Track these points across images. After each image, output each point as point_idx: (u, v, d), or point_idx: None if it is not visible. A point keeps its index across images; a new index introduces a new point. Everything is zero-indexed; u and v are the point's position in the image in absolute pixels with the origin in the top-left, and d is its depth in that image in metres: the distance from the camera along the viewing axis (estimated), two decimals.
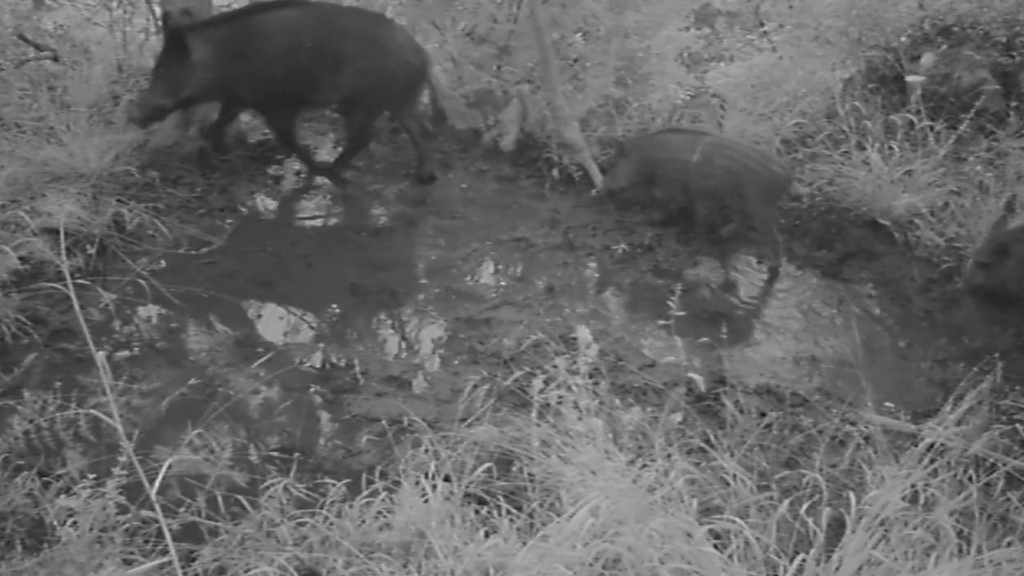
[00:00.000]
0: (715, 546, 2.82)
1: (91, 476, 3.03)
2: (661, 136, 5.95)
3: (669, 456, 3.16)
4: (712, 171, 5.52)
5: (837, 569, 2.78)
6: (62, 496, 3.00)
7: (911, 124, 5.86)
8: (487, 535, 2.90)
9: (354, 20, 6.07)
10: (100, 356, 2.78)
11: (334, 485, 3.18)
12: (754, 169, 5.47)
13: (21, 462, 3.40)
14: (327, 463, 3.66)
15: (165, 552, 2.64)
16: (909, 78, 5.94)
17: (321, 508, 3.07)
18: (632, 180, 5.88)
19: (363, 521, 3.04)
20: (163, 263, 5.10)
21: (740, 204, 5.58)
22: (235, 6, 8.41)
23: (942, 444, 3.29)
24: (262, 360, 4.14)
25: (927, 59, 6.02)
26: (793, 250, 5.61)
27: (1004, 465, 3.40)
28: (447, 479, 3.14)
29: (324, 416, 4.03)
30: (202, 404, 3.91)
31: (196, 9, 6.24)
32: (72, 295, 2.76)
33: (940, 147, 5.72)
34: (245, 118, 6.86)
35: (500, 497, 3.10)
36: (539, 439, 3.28)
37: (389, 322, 4.90)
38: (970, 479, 3.15)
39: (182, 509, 3.10)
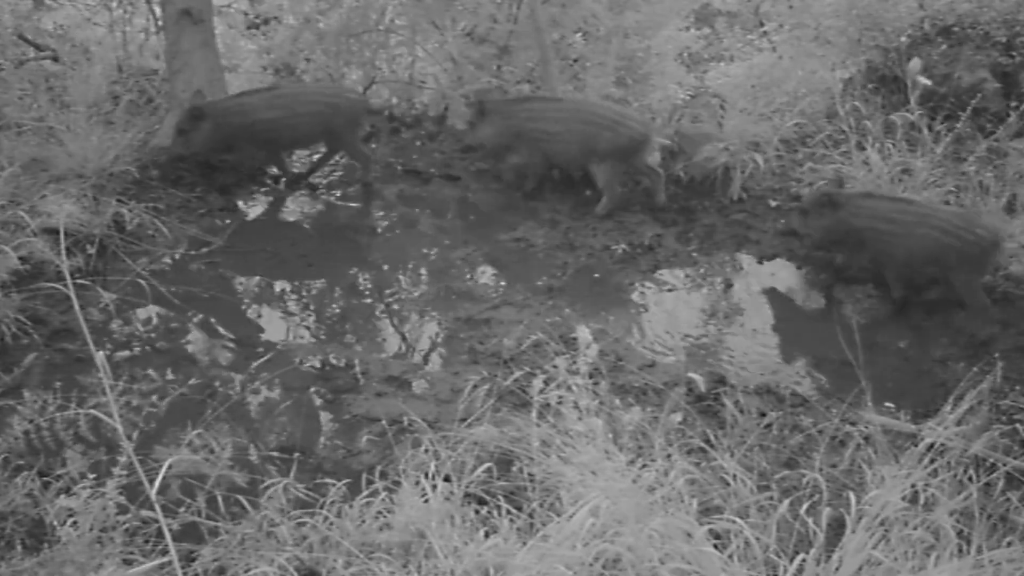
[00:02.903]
0: (715, 546, 2.82)
1: (91, 476, 3.02)
2: (240, 99, 6.03)
3: (669, 456, 3.16)
4: (298, 120, 5.91)
5: (837, 569, 2.77)
6: (62, 496, 3.00)
7: (911, 124, 5.86)
8: (487, 535, 2.90)
9: None
10: (100, 356, 2.77)
11: (334, 485, 3.17)
12: (335, 104, 5.98)
13: (21, 462, 3.40)
14: (327, 463, 3.66)
15: (165, 552, 2.64)
16: (918, 77, 5.93)
17: (321, 508, 3.07)
18: (211, 144, 5.93)
19: (363, 521, 3.03)
20: (163, 263, 5.10)
21: (331, 140, 6.10)
22: (236, 6, 8.47)
23: (942, 444, 3.29)
24: (262, 360, 4.15)
25: (915, 64, 6.02)
26: (793, 250, 5.61)
27: (1004, 465, 3.39)
28: (447, 479, 3.14)
29: (324, 416, 4.03)
30: (202, 404, 3.91)
31: (195, 10, 6.25)
32: (72, 295, 2.76)
33: (940, 147, 5.72)
34: None
35: (500, 497, 3.10)
36: (539, 439, 3.28)
37: (389, 322, 4.90)
38: (970, 479, 3.14)
39: (182, 509, 3.10)
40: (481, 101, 6.18)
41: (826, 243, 5.44)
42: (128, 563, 2.85)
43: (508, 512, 3.02)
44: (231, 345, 4.55)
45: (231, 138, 5.98)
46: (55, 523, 2.91)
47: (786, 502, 2.98)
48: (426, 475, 3.14)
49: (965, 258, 4.98)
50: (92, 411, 3.22)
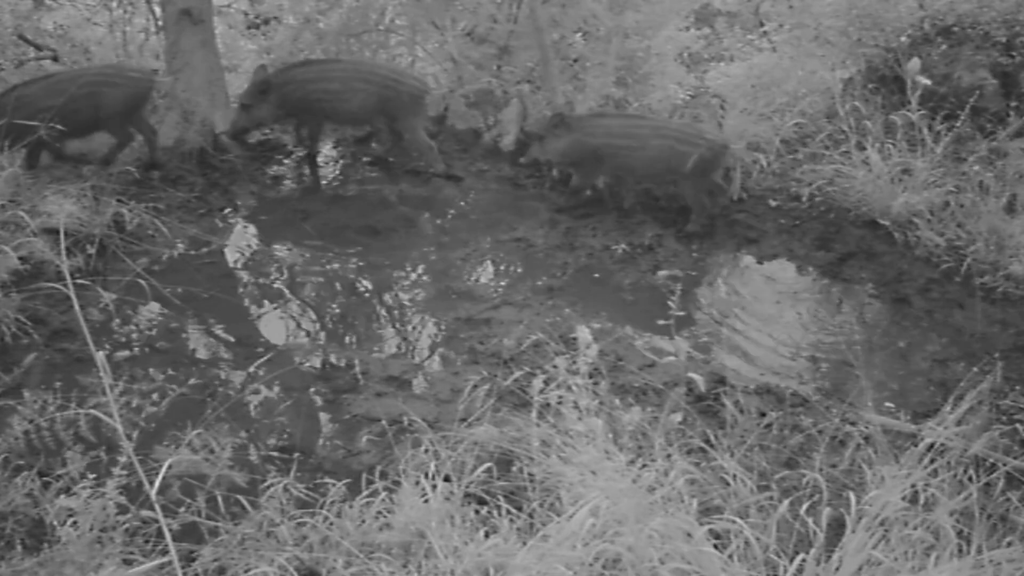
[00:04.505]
0: (715, 546, 2.82)
1: (91, 476, 3.03)
2: (16, 92, 5.73)
3: (669, 456, 3.16)
4: (75, 101, 5.66)
5: (837, 569, 2.78)
6: (62, 496, 3.00)
7: (911, 124, 5.86)
8: (487, 535, 2.90)
9: None
10: (100, 356, 2.77)
11: (334, 485, 3.18)
12: (115, 83, 5.86)
13: (21, 462, 3.41)
14: (327, 463, 3.66)
15: (165, 552, 2.64)
16: (918, 77, 5.95)
17: (321, 508, 3.07)
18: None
19: (363, 521, 3.04)
20: (163, 263, 5.10)
21: (109, 118, 5.90)
22: (236, 6, 8.46)
23: (942, 444, 3.29)
24: (262, 360, 4.15)
25: (914, 64, 6.04)
26: (793, 250, 5.61)
27: (1004, 465, 3.40)
28: (447, 479, 3.14)
29: (324, 416, 4.03)
30: (202, 404, 3.91)
31: (195, 9, 6.25)
32: (72, 295, 2.76)
33: (939, 147, 5.72)
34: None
35: (500, 497, 3.10)
36: (539, 439, 3.28)
37: (389, 322, 4.90)
38: (970, 479, 3.14)
39: (182, 509, 3.10)
40: (264, 80, 6.21)
41: (565, 164, 5.98)
42: (128, 563, 2.85)
43: (508, 512, 3.02)
44: (231, 345, 4.55)
45: (19, 130, 5.52)
46: (55, 523, 2.92)
47: (786, 502, 2.98)
48: (426, 475, 3.14)
49: (699, 162, 5.62)
50: (92, 411, 3.22)
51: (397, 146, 6.56)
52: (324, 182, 6.41)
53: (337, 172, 6.54)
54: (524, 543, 2.81)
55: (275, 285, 5.14)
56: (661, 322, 4.87)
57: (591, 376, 3.37)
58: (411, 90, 6.31)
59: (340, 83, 6.25)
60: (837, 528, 2.95)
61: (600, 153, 5.78)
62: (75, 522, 2.89)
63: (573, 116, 5.97)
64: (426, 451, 3.33)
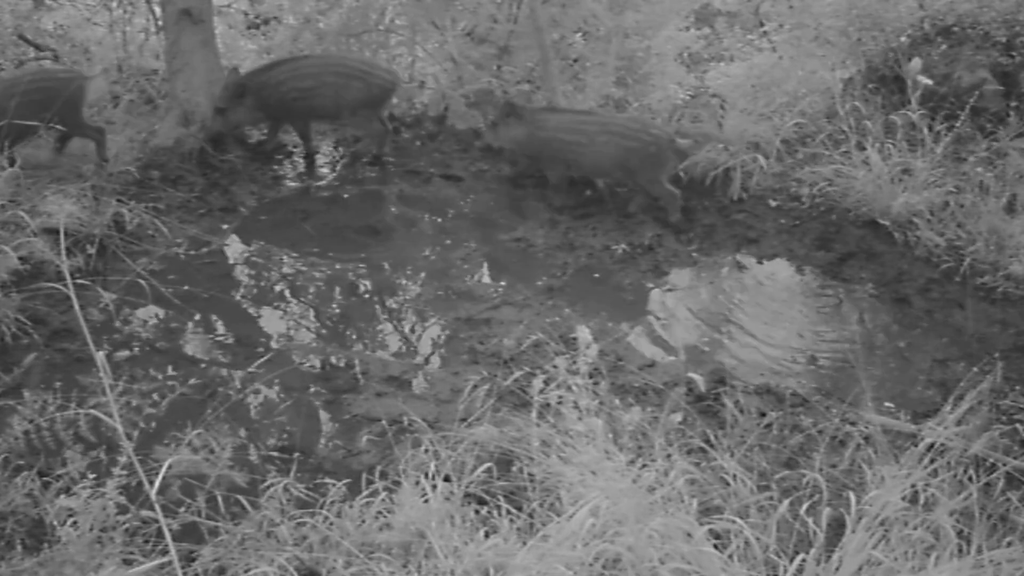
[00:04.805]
0: (715, 546, 2.82)
1: (91, 476, 3.03)
2: None
3: (669, 456, 3.16)
4: (13, 111, 5.47)
5: (837, 569, 2.78)
6: (62, 496, 3.00)
7: (911, 124, 5.86)
8: (487, 535, 2.90)
9: None
10: (100, 356, 2.77)
11: (334, 485, 3.18)
12: (46, 87, 5.74)
13: (21, 462, 3.41)
14: (327, 463, 3.66)
15: (165, 552, 2.64)
16: (918, 77, 5.95)
17: (321, 508, 3.08)
18: None
19: (363, 521, 3.04)
20: (163, 263, 5.10)
21: (59, 120, 5.68)
22: (236, 6, 8.47)
23: (942, 444, 3.29)
24: (262, 360, 4.15)
25: (915, 64, 6.04)
26: (793, 250, 5.61)
27: (1004, 465, 3.40)
28: (447, 479, 3.14)
29: (324, 416, 4.03)
30: (202, 404, 3.91)
31: (195, 9, 6.26)
32: (72, 295, 2.76)
33: (939, 147, 5.72)
34: None
35: (500, 497, 3.10)
36: (539, 439, 3.29)
37: (389, 322, 4.90)
38: (970, 479, 3.14)
39: (182, 509, 3.10)
40: (239, 83, 6.21)
41: (520, 155, 6.12)
42: (128, 563, 2.85)
43: (508, 512, 3.02)
44: (231, 345, 4.55)
45: None
46: (55, 523, 2.92)
47: (786, 502, 2.98)
48: (426, 475, 3.15)
49: (646, 157, 5.69)
50: (92, 411, 3.22)
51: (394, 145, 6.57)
52: (324, 182, 6.41)
53: (337, 172, 6.54)
54: (524, 543, 2.81)
55: (275, 285, 5.14)
56: (661, 322, 4.91)
57: (591, 376, 3.38)
58: (381, 82, 6.34)
59: (313, 79, 6.27)
60: (837, 528, 2.95)
61: (550, 147, 5.87)
62: (75, 522, 2.90)
63: (525, 108, 6.06)
64: (426, 451, 3.33)
